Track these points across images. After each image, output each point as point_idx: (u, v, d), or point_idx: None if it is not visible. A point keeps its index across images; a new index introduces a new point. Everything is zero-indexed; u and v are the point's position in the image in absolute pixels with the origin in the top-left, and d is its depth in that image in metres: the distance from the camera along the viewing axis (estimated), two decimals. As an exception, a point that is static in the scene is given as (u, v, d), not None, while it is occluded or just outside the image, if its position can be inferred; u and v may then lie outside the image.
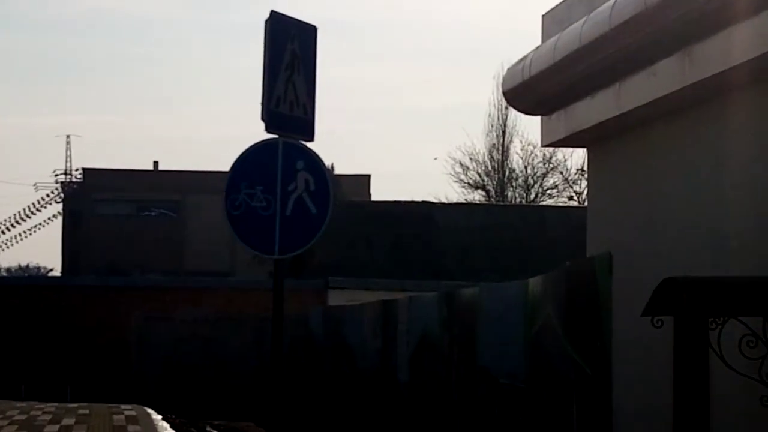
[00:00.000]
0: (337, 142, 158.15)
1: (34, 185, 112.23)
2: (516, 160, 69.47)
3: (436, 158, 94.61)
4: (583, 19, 15.92)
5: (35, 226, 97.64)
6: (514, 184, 69.64)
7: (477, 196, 68.90)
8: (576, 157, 59.45)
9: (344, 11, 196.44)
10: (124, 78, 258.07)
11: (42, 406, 37.52)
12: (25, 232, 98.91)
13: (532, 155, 67.81)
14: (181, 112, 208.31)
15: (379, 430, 27.84)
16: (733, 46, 13.07)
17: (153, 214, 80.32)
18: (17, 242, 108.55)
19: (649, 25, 14.11)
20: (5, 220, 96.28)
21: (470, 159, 70.16)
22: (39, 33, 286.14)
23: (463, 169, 69.96)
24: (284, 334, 12.15)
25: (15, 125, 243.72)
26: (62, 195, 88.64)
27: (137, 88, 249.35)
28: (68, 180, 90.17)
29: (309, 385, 34.55)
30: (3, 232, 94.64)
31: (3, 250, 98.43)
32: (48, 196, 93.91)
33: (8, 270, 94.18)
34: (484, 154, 69.88)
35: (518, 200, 67.27)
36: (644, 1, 13.96)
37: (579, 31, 15.87)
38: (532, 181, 69.28)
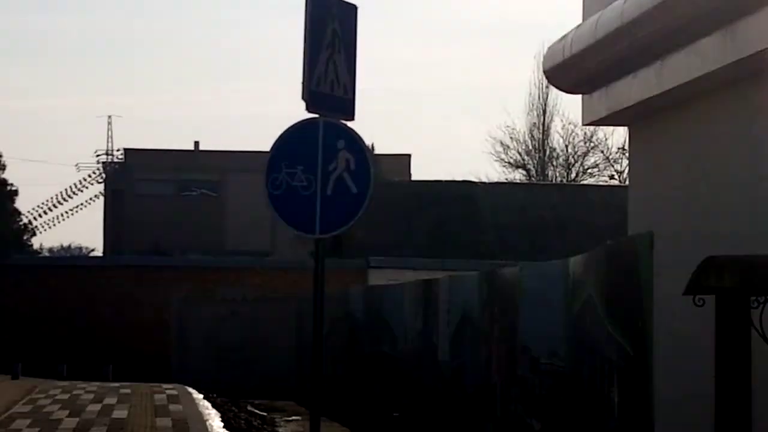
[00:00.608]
0: (378, 121, 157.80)
1: (76, 165, 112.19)
2: (557, 139, 69.44)
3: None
4: (619, 2, 15.88)
5: (77, 207, 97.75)
6: (554, 163, 69.44)
7: (518, 176, 68.91)
8: (617, 136, 59.23)
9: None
10: (157, 59, 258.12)
11: (84, 385, 37.70)
12: (67, 212, 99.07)
13: (573, 134, 67.74)
14: (220, 92, 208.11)
15: (420, 409, 27.86)
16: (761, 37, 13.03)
17: (194, 193, 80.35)
18: (59, 222, 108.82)
19: (691, 2, 14.04)
20: (47, 201, 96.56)
21: (511, 138, 70.28)
22: (79, 14, 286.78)
23: (504, 149, 70.07)
24: (323, 314, 12.12)
25: (54, 106, 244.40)
26: (104, 175, 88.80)
27: (172, 69, 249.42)
28: (110, 160, 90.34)
29: (349, 365, 34.59)
30: (45, 213, 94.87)
31: (45, 230, 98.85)
32: (90, 176, 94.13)
33: (50, 250, 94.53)
34: (524, 133, 69.92)
35: (559, 179, 67.07)
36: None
37: (621, 8, 15.79)
38: (572, 160, 69.09)
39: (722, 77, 14.51)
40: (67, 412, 28.30)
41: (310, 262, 12.07)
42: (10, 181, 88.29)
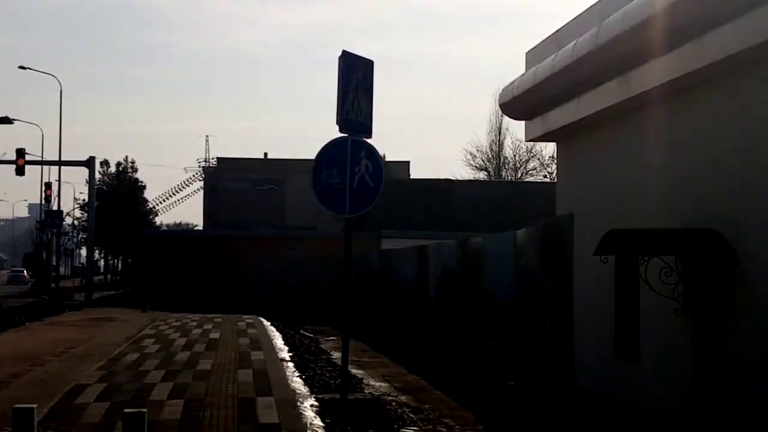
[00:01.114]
0: (388, 139, 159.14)
1: (184, 168, 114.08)
2: (508, 151, 69.85)
3: None
4: (554, 55, 15.94)
5: (185, 196, 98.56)
6: (506, 167, 69.78)
7: (481, 176, 69.17)
8: (549, 149, 59.15)
9: (378, 47, 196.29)
10: (241, 96, 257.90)
11: (191, 315, 37.86)
12: (178, 200, 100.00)
13: (519, 147, 68.16)
14: (281, 118, 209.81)
15: (416, 331, 27.95)
16: (651, 75, 13.07)
17: (264, 188, 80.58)
18: (173, 207, 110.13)
19: (598, 59, 14.11)
20: (165, 193, 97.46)
21: (477, 150, 70.82)
22: (182, 64, 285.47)
23: (472, 157, 70.60)
24: (351, 268, 12.12)
25: (171, 128, 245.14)
26: (203, 175, 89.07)
27: (250, 103, 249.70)
28: (207, 165, 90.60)
29: (367, 302, 34.71)
30: (163, 201, 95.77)
31: (164, 212, 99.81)
32: (194, 176, 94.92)
33: (168, 226, 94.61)
34: (486, 147, 70.40)
35: (509, 178, 67.40)
36: (595, 42, 13.96)
37: (551, 63, 15.92)
38: (518, 165, 69.51)
39: (617, 109, 14.66)
40: (179, 333, 28.40)
41: (342, 233, 12.03)
42: (140, 179, 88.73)
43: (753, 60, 11.07)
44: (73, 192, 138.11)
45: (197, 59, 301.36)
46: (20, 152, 47.67)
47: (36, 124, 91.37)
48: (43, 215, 65.16)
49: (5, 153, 52.79)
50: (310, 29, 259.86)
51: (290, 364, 20.76)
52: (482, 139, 75.62)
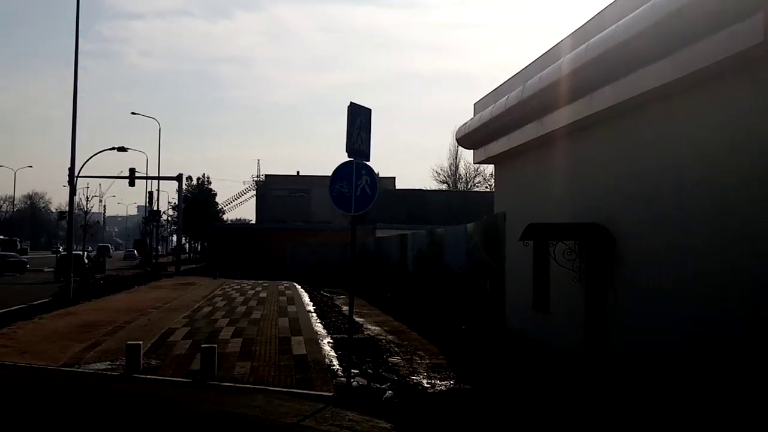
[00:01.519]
0: (380, 162, 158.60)
1: (243, 182, 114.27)
2: (462, 170, 69.63)
3: None
4: (492, 105, 15.87)
5: (243, 201, 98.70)
6: (460, 181, 69.44)
7: (443, 187, 68.84)
8: (489, 168, 58.96)
9: (374, 99, 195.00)
10: (279, 131, 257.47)
11: (247, 281, 37.83)
12: (238, 204, 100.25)
13: (469, 167, 67.94)
14: (310, 149, 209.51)
15: (398, 292, 27.94)
16: (557, 119, 13.05)
17: (297, 195, 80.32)
18: (236, 208, 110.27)
19: (522, 109, 14.08)
20: (229, 198, 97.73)
21: (440, 169, 70.90)
22: (242, 111, 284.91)
23: (437, 174, 70.66)
24: (355, 250, 12.10)
25: (234, 154, 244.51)
26: (255, 186, 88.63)
27: (287, 136, 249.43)
28: (258, 180, 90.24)
29: (366, 273, 34.67)
30: (229, 204, 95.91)
31: (229, 211, 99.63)
32: (249, 187, 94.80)
33: (231, 221, 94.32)
34: (447, 167, 70.27)
35: (462, 188, 67.09)
36: (520, 97, 13.91)
37: (491, 110, 15.85)
38: (468, 180, 69.22)
39: (534, 142, 14.60)
40: (238, 293, 28.38)
41: (349, 226, 11.98)
42: (213, 189, 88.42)
43: (624, 110, 11.13)
44: (167, 198, 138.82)
45: (252, 107, 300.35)
46: (132, 171, 47.93)
47: (142, 152, 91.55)
48: (147, 213, 65.04)
49: (122, 171, 52.92)
50: (327, 87, 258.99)
51: (314, 315, 20.77)
52: (444, 162, 76.82)
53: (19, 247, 58.29)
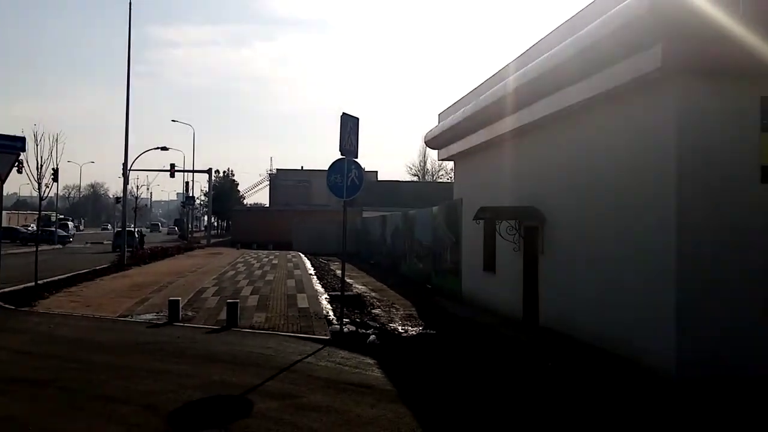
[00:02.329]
0: (366, 158, 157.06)
1: (260, 174, 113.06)
2: (429, 165, 69.53)
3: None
4: (452, 116, 15.77)
5: (259, 189, 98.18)
6: (428, 174, 69.35)
7: (415, 179, 68.65)
8: (450, 164, 58.81)
9: (361, 110, 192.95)
10: (289, 133, 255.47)
11: (263, 251, 37.70)
12: (256, 191, 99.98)
13: (435, 163, 67.85)
14: (312, 148, 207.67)
15: (380, 260, 28.00)
16: (503, 125, 13.01)
17: (301, 184, 79.69)
18: (253, 194, 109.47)
19: (476, 118, 14.02)
20: (250, 186, 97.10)
21: (412, 165, 70.92)
22: (258, 121, 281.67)
23: (410, 169, 70.62)
24: (346, 227, 12.07)
25: (252, 153, 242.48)
26: (269, 178, 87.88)
27: (291, 140, 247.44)
28: (271, 172, 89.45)
29: (355, 245, 34.65)
30: (249, 191, 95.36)
31: (249, 197, 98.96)
32: (263, 178, 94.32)
33: (250, 204, 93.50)
34: (417, 163, 70.24)
35: (429, 180, 66.98)
36: (474, 109, 13.85)
37: (451, 120, 15.75)
38: (434, 173, 69.12)
39: (485, 144, 14.51)
40: (255, 260, 28.31)
41: (341, 208, 11.95)
42: (236, 180, 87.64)
43: (554, 119, 11.17)
44: (199, 187, 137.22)
45: (265, 116, 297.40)
46: (172, 166, 48.02)
47: (180, 150, 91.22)
48: (184, 199, 64.41)
49: (164, 165, 52.55)
50: (323, 101, 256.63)
51: (314, 277, 20.75)
52: (415, 159, 76.52)
53: (70, 226, 58.20)
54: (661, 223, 8.18)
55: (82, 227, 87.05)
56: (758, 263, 7.88)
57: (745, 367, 7.73)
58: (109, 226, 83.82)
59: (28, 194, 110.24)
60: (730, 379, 7.61)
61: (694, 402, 7.06)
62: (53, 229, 48.60)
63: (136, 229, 38.37)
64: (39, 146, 16.91)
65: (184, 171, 56.33)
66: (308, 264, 26.41)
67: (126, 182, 28.53)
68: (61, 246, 44.93)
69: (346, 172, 11.31)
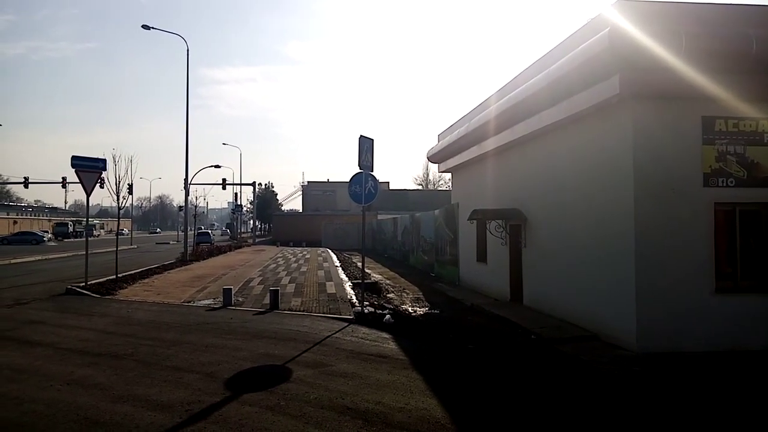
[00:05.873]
0: (380, 171, 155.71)
1: (294, 186, 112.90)
2: (431, 177, 69.22)
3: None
4: (449, 136, 15.74)
5: (294, 198, 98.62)
6: (431, 184, 69.13)
7: (419, 188, 68.47)
8: (448, 175, 58.64)
9: (375, 132, 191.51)
10: (312, 153, 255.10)
11: (297, 248, 37.59)
12: (291, 200, 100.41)
13: (436, 175, 67.50)
14: (337, 165, 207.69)
15: (391, 252, 27.92)
16: (490, 144, 12.96)
17: (328, 193, 79.77)
18: (289, 202, 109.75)
19: (468, 138, 13.97)
20: (285, 196, 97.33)
21: (417, 177, 70.76)
22: (293, 143, 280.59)
23: (416, 180, 70.31)
24: (365, 228, 11.98)
25: (287, 170, 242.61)
26: (302, 188, 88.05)
27: (319, 157, 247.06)
28: (303, 184, 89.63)
29: (372, 242, 34.58)
30: (286, 199, 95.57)
31: (286, 204, 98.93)
32: (297, 189, 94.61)
33: (286, 210, 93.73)
34: (422, 175, 70.11)
35: (432, 188, 66.76)
36: (466, 130, 13.80)
37: (449, 139, 15.68)
38: (435, 183, 68.85)
39: (476, 158, 14.46)
40: (292, 255, 28.33)
41: (360, 213, 11.90)
42: (275, 191, 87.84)
43: (531, 138, 11.12)
44: (246, 196, 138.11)
45: (297, 139, 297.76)
46: (223, 180, 47.40)
47: (230, 168, 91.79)
48: (234, 207, 64.86)
49: (217, 180, 52.80)
50: (339, 126, 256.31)
51: (339, 268, 20.72)
52: (420, 172, 76.43)
53: (126, 231, 60.20)
54: (622, 218, 8.14)
55: (126, 231, 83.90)
56: (703, 253, 7.82)
57: (698, 340, 7.68)
58: (159, 230, 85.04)
59: (108, 204, 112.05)
60: (684, 352, 7.55)
61: (652, 370, 7.00)
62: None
63: (209, 231, 39.15)
64: (117, 166, 17.11)
65: (233, 184, 56.22)
66: (334, 258, 26.43)
67: (187, 194, 28.96)
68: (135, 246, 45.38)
69: (363, 183, 11.30)
